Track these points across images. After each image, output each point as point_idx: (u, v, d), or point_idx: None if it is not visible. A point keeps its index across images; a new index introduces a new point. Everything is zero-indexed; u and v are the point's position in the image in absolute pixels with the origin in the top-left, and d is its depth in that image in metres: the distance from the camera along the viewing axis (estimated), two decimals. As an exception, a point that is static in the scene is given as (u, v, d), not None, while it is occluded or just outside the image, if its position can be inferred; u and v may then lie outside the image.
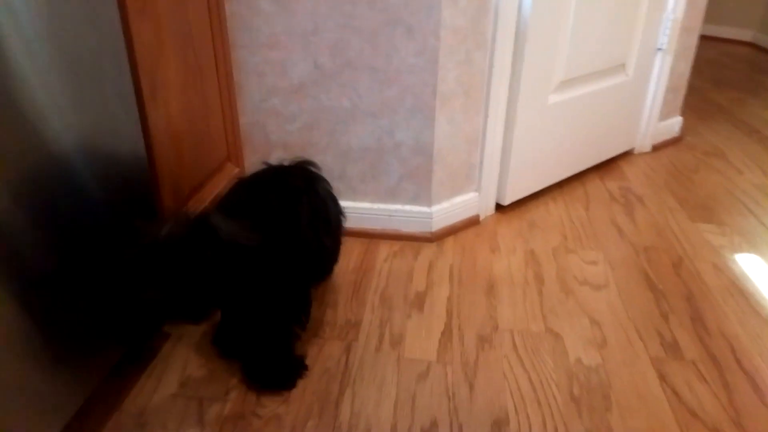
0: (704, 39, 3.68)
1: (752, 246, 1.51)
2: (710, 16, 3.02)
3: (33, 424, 0.79)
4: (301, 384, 1.05)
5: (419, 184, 1.48)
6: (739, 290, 1.33)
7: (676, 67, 1.98)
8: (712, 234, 1.57)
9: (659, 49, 1.88)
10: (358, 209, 1.52)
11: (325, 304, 1.27)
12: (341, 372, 1.08)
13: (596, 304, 1.28)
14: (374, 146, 1.44)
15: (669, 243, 1.52)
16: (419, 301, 1.28)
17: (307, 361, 1.10)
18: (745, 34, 3.77)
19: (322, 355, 1.12)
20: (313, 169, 1.13)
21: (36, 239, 0.76)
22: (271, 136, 1.46)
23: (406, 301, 1.28)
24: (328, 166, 1.48)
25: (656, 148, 2.10)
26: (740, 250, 1.49)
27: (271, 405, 1.01)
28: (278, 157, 1.48)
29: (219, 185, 1.31)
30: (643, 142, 2.05)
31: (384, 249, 1.48)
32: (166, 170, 1.08)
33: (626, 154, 2.05)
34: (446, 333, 1.19)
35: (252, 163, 1.49)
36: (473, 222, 1.60)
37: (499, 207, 1.68)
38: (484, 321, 1.22)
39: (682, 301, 1.29)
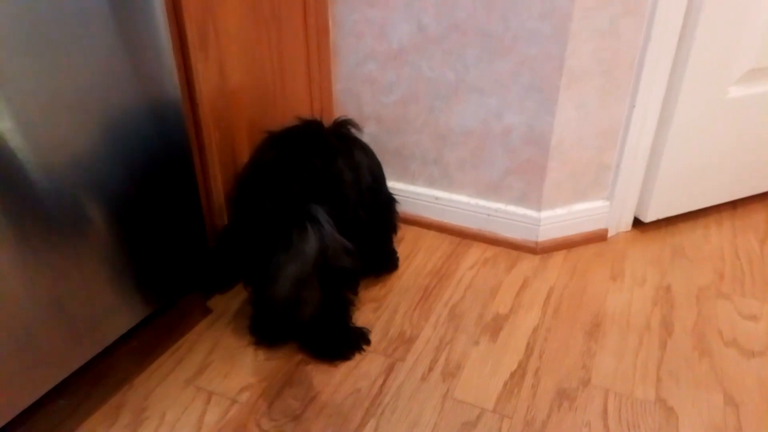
0: None
1: None
2: None
3: (28, 374, 0.73)
4: (320, 402, 0.88)
5: (528, 181, 1.20)
6: None
7: None
8: None
9: None
10: (453, 202, 1.29)
11: (384, 307, 1.08)
12: (371, 397, 0.89)
13: (741, 376, 0.93)
14: (478, 129, 1.20)
15: None
16: (495, 326, 1.03)
17: (338, 376, 0.93)
18: None
19: (357, 370, 0.94)
20: (353, 130, 1.00)
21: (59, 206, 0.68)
22: (364, 107, 1.29)
23: (479, 322, 1.04)
24: (423, 148, 1.27)
25: None
26: None
27: (279, 419, 0.86)
28: (370, 132, 1.31)
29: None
30: None
31: (474, 253, 1.24)
32: (216, 135, 0.96)
33: (841, 176, 1.53)
34: (517, 375, 0.93)
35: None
36: (598, 237, 1.28)
37: (638, 223, 1.34)
38: (572, 369, 0.94)
39: None
